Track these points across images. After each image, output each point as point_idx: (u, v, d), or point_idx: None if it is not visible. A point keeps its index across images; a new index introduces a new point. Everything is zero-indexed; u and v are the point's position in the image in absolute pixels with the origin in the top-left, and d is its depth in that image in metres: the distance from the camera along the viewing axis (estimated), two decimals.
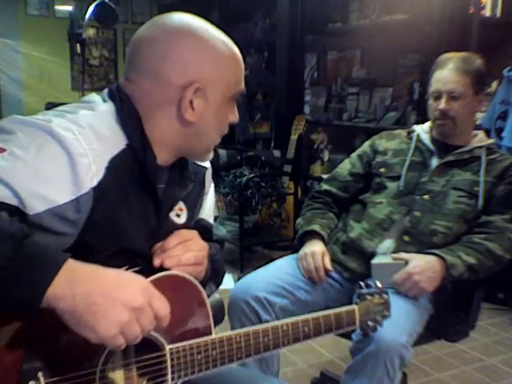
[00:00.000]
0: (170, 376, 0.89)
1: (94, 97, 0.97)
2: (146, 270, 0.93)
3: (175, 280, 0.93)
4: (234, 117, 1.03)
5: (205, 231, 1.11)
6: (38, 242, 0.74)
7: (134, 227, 0.92)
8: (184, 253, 0.97)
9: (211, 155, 1.06)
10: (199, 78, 0.93)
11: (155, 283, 0.88)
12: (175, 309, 0.90)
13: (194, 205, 1.10)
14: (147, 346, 0.89)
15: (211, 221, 1.17)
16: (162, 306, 0.80)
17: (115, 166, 0.88)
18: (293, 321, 1.05)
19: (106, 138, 0.89)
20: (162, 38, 0.94)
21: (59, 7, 5.91)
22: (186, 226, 1.05)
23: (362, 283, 1.25)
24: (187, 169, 1.05)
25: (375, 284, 1.25)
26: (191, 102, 0.93)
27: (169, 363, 0.89)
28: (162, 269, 0.94)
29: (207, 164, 1.13)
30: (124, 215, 0.90)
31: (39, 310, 0.72)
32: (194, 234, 1.02)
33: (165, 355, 0.89)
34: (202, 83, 0.93)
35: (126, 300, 0.75)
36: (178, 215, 1.04)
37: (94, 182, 0.85)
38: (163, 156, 0.97)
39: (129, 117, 0.93)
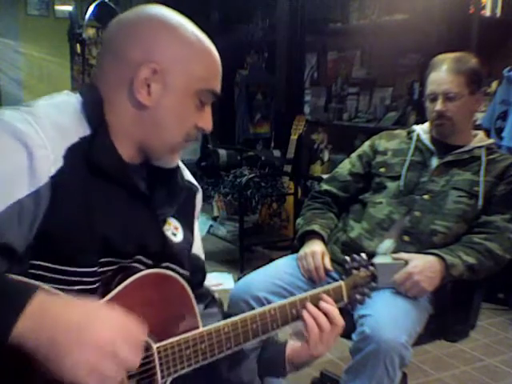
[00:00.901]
0: (159, 374, 0.89)
1: (61, 92, 0.96)
2: (125, 268, 0.91)
3: (158, 277, 0.92)
4: (205, 123, 0.97)
5: (200, 270, 1.12)
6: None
7: (103, 219, 0.88)
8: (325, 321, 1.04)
9: (176, 159, 1.00)
10: (159, 60, 0.90)
11: (138, 281, 0.88)
12: (159, 307, 0.91)
13: (188, 223, 1.07)
14: None
15: (203, 256, 1.15)
16: (138, 335, 0.77)
17: (74, 155, 0.85)
18: (280, 304, 1.04)
19: (63, 127, 0.86)
20: (133, 20, 0.93)
21: (59, 7, 5.91)
22: (182, 244, 1.03)
23: (347, 258, 1.22)
24: (176, 179, 1.02)
25: (361, 257, 1.23)
26: (149, 86, 0.90)
27: (157, 362, 0.89)
28: (141, 267, 0.93)
29: (197, 184, 1.11)
30: (88, 208, 0.86)
31: None
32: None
33: (152, 354, 0.89)
34: (162, 66, 0.90)
35: (93, 338, 0.71)
36: (175, 234, 1.02)
37: (52, 171, 0.82)
38: (125, 149, 0.93)
39: (91, 102, 0.91)
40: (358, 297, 1.19)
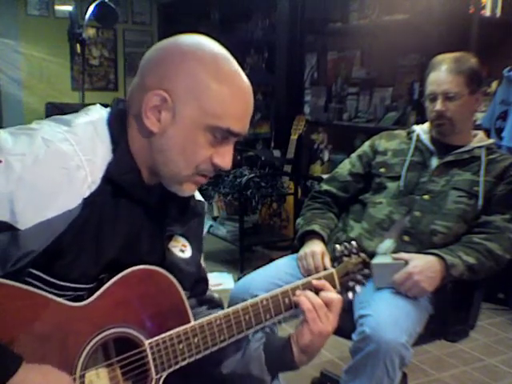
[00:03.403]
0: (153, 370, 0.90)
1: (94, 106, 0.97)
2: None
3: (145, 273, 0.92)
4: (221, 160, 0.93)
5: (203, 281, 1.12)
6: None
7: (113, 241, 0.90)
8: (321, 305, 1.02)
9: (188, 190, 0.97)
10: (170, 89, 0.88)
11: (125, 278, 0.89)
12: (148, 302, 0.91)
13: (197, 238, 1.08)
14: (127, 345, 0.89)
15: (204, 265, 1.15)
16: None
17: (112, 174, 0.88)
18: (272, 294, 1.03)
19: (100, 147, 0.88)
20: (162, 47, 0.93)
21: (59, 7, 5.90)
22: (191, 260, 1.03)
23: (337, 246, 1.22)
24: (189, 206, 1.03)
25: (351, 245, 1.22)
26: (160, 112, 0.89)
27: (150, 357, 0.89)
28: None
29: (203, 200, 1.11)
30: (102, 228, 0.88)
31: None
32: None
33: (145, 350, 0.89)
34: (172, 97, 0.88)
35: None
36: (182, 251, 1.03)
37: (87, 193, 0.85)
38: (141, 167, 0.94)
39: (113, 116, 0.93)
40: (351, 284, 1.17)
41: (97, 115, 0.93)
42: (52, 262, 0.84)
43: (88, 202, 0.85)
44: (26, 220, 0.80)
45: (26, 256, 0.81)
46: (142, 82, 0.92)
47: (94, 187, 0.86)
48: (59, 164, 0.82)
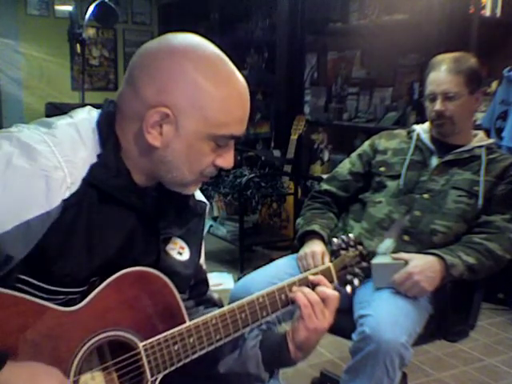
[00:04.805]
0: (148, 372, 0.89)
1: (83, 108, 0.95)
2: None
3: (138, 275, 0.91)
4: (224, 162, 0.94)
5: (203, 282, 1.12)
6: None
7: (104, 244, 0.89)
8: (317, 300, 1.01)
9: (191, 190, 0.98)
10: (172, 103, 0.86)
11: (117, 281, 0.88)
12: (142, 304, 0.90)
13: (197, 239, 1.08)
14: (123, 348, 0.88)
15: (205, 267, 1.15)
16: None
17: (93, 175, 0.86)
18: (268, 291, 1.02)
19: (82, 148, 0.87)
20: (154, 53, 0.89)
21: (59, 7, 5.89)
22: (189, 262, 1.03)
23: (334, 239, 1.20)
24: (188, 207, 1.03)
25: (349, 237, 1.20)
26: (161, 126, 0.87)
27: (145, 359, 0.89)
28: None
29: (206, 200, 1.11)
30: (91, 232, 0.87)
31: None
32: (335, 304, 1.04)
33: (139, 353, 0.89)
34: (174, 111, 0.86)
35: None
36: (180, 253, 1.02)
37: (67, 195, 0.83)
38: (134, 172, 0.92)
39: (103, 119, 0.91)
40: (349, 277, 1.16)
41: (81, 117, 0.91)
42: (40, 267, 0.83)
43: (69, 204, 0.83)
44: (2, 223, 0.79)
45: (6, 262, 0.81)
46: (137, 89, 0.88)
47: (74, 188, 0.84)
48: (34, 165, 0.81)
